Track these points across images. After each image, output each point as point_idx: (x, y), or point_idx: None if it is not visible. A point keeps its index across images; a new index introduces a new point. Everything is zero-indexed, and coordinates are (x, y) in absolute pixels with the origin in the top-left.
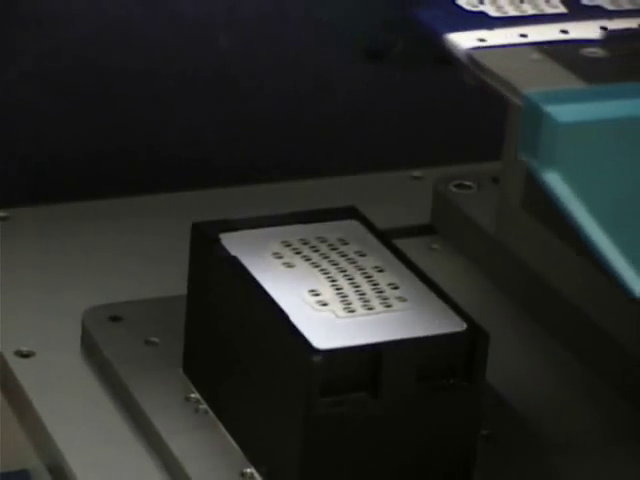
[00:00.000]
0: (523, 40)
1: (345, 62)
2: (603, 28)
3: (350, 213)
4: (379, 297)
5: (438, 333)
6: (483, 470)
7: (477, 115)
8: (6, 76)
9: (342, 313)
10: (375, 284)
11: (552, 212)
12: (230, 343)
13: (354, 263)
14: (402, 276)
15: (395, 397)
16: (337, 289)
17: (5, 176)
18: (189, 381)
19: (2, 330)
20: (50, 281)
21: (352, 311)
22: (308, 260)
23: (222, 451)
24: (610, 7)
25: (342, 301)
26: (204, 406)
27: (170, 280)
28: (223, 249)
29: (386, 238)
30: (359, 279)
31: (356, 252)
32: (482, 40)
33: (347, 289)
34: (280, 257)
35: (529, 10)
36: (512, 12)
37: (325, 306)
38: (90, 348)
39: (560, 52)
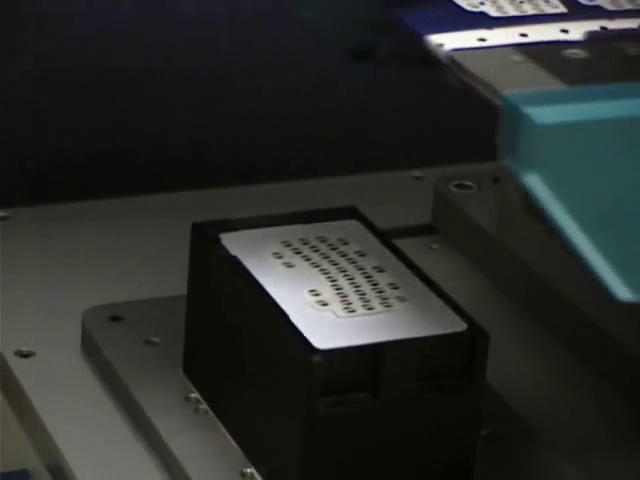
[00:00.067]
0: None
1: (345, 62)
2: (603, 28)
3: (350, 213)
4: (379, 297)
5: (438, 333)
6: (483, 470)
7: (477, 115)
8: (6, 76)
9: (342, 313)
10: (375, 284)
11: None
12: (230, 343)
13: (354, 263)
14: (402, 276)
15: (395, 397)
16: (337, 289)
17: (5, 176)
18: (189, 381)
19: (2, 330)
20: (50, 281)
21: (352, 311)
22: (308, 260)
23: (222, 451)
24: (610, 7)
25: (342, 301)
26: (204, 406)
27: (170, 280)
28: (223, 249)
29: (386, 238)
30: (359, 279)
31: (356, 252)
32: (482, 40)
33: (347, 289)
34: (280, 257)
35: (529, 10)
36: (512, 12)
37: (325, 306)
38: (90, 348)
39: (541, 53)
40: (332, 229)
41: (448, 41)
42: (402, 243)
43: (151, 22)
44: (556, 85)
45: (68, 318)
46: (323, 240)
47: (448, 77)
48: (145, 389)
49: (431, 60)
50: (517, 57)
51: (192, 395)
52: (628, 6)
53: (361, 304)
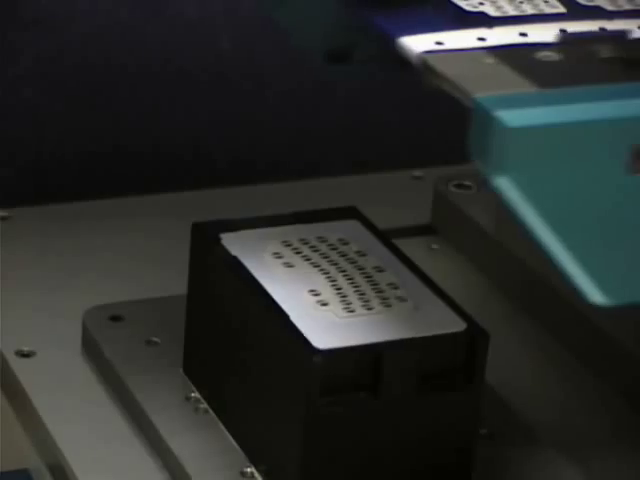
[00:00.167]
0: (481, 44)
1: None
2: (602, 29)
3: (350, 213)
4: (379, 297)
5: (438, 333)
6: (483, 470)
7: None
8: (6, 76)
9: (342, 313)
10: (375, 284)
11: None
12: (230, 343)
13: (354, 263)
14: (402, 276)
15: (395, 397)
16: (337, 289)
17: (5, 176)
18: (189, 381)
19: (2, 330)
20: (50, 281)
21: (352, 311)
22: (308, 260)
23: (222, 451)
24: (609, 7)
25: (342, 301)
26: (204, 406)
27: (170, 280)
28: (223, 249)
29: (386, 238)
30: (359, 279)
31: (356, 252)
32: (482, 39)
33: (347, 289)
34: (280, 257)
35: (528, 10)
36: (512, 12)
37: (325, 306)
38: (91, 348)
39: (514, 56)
40: (332, 229)
41: (445, 41)
42: (402, 243)
43: (151, 22)
44: (527, 88)
45: (68, 318)
46: (323, 240)
47: (422, 79)
48: (145, 389)
49: (404, 61)
50: (489, 59)
51: (192, 395)
52: (627, 6)
53: (361, 304)
